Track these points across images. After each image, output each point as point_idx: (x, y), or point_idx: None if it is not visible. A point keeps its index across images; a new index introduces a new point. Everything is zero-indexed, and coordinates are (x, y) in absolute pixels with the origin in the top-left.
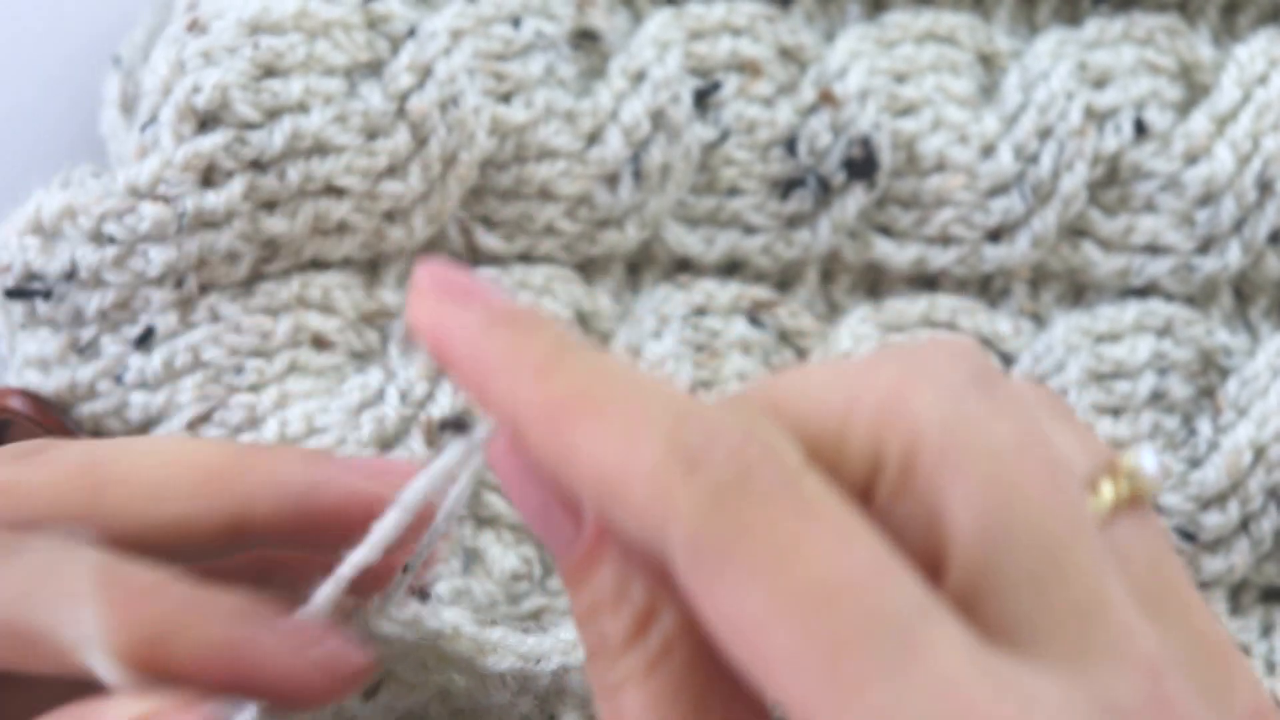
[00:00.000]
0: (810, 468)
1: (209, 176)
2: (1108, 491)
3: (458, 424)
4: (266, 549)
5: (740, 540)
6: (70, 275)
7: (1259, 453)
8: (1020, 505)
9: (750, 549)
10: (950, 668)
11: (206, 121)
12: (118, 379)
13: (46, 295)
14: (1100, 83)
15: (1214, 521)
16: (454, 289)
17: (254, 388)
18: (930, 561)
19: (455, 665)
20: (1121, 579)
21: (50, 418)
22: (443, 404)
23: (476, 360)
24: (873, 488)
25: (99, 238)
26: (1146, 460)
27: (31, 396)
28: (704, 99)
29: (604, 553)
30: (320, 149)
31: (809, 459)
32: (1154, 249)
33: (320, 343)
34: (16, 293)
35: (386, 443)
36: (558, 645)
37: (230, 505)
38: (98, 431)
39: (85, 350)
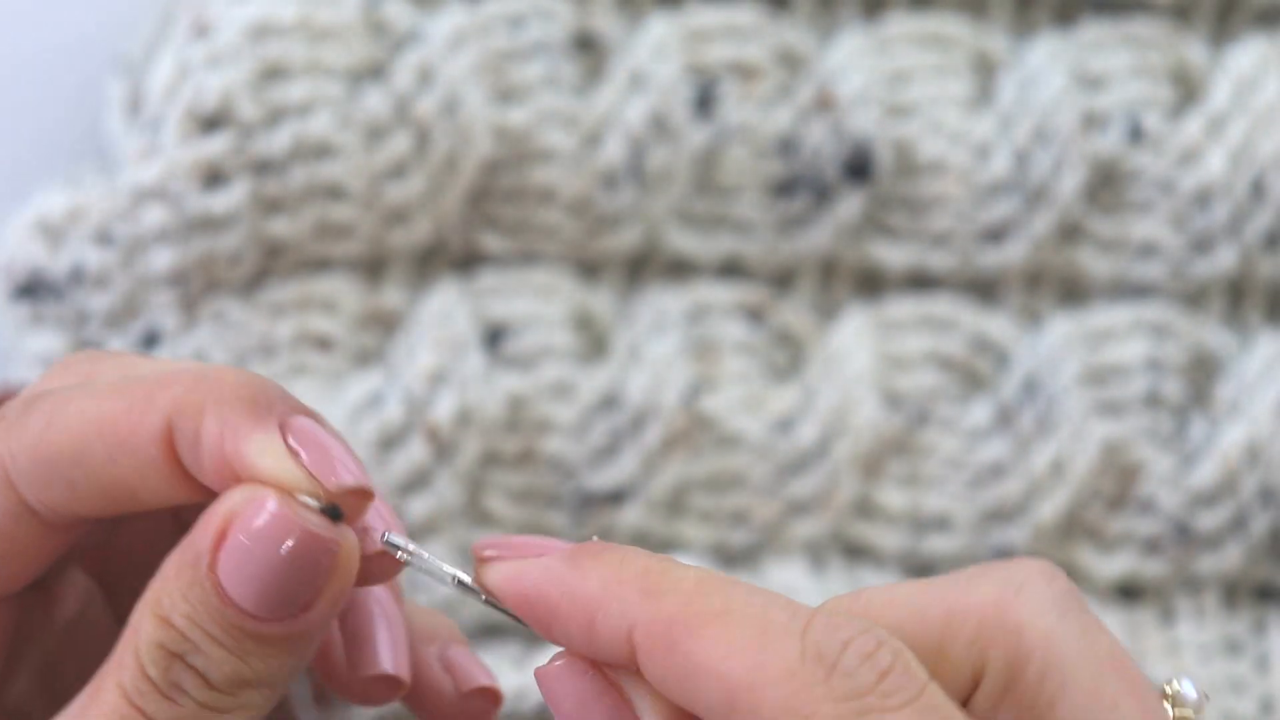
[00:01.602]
0: (930, 677)
1: (213, 178)
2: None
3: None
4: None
5: None
6: (76, 276)
7: (1251, 452)
8: (1123, 717)
9: None
10: None
11: (210, 124)
12: None
13: (52, 295)
14: (1095, 86)
15: (1207, 520)
16: (517, 548)
17: None
18: None
19: None
20: None
21: None
22: (441, 409)
23: (574, 598)
24: (968, 701)
25: (104, 239)
26: (1187, 688)
27: None
28: (703, 101)
29: None
30: (322, 151)
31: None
32: (1148, 250)
33: (322, 344)
34: (23, 292)
35: (388, 444)
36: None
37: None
38: None
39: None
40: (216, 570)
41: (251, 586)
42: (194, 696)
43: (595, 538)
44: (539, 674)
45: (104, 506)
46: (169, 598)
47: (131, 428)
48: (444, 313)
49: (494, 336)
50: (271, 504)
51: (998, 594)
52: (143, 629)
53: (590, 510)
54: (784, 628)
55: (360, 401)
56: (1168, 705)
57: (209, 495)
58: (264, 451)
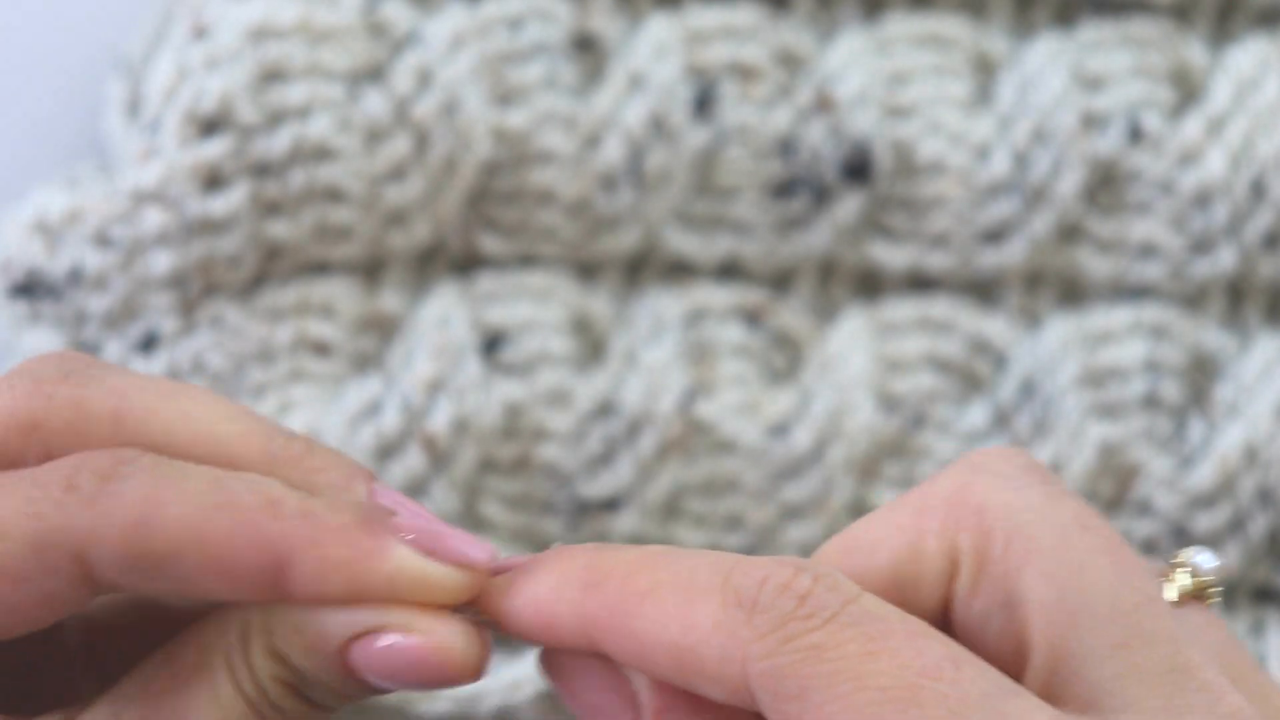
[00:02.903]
0: (863, 591)
1: (212, 181)
2: (1171, 586)
3: None
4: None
5: (815, 664)
6: (74, 277)
7: (1250, 454)
8: (1093, 577)
9: (826, 670)
10: None
11: (210, 127)
12: None
13: (50, 295)
14: (1095, 86)
15: (1205, 522)
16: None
17: (256, 394)
18: (1015, 646)
19: (388, 715)
20: (1200, 647)
21: None
22: (438, 419)
23: (534, 604)
24: (952, 594)
25: (103, 241)
26: (1203, 559)
27: None
28: (702, 102)
29: None
30: (322, 154)
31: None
32: (1148, 251)
33: (321, 349)
34: (20, 291)
35: (386, 453)
36: (498, 684)
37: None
38: None
39: (88, 350)
40: (349, 654)
41: (382, 676)
42: (301, 713)
43: (557, 545)
44: (540, 657)
45: (165, 594)
46: (286, 645)
47: (235, 556)
48: (442, 318)
49: (491, 343)
50: (416, 640)
51: (957, 480)
52: (257, 664)
53: (585, 517)
54: (706, 584)
55: (358, 410)
56: (1185, 574)
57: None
58: (403, 566)
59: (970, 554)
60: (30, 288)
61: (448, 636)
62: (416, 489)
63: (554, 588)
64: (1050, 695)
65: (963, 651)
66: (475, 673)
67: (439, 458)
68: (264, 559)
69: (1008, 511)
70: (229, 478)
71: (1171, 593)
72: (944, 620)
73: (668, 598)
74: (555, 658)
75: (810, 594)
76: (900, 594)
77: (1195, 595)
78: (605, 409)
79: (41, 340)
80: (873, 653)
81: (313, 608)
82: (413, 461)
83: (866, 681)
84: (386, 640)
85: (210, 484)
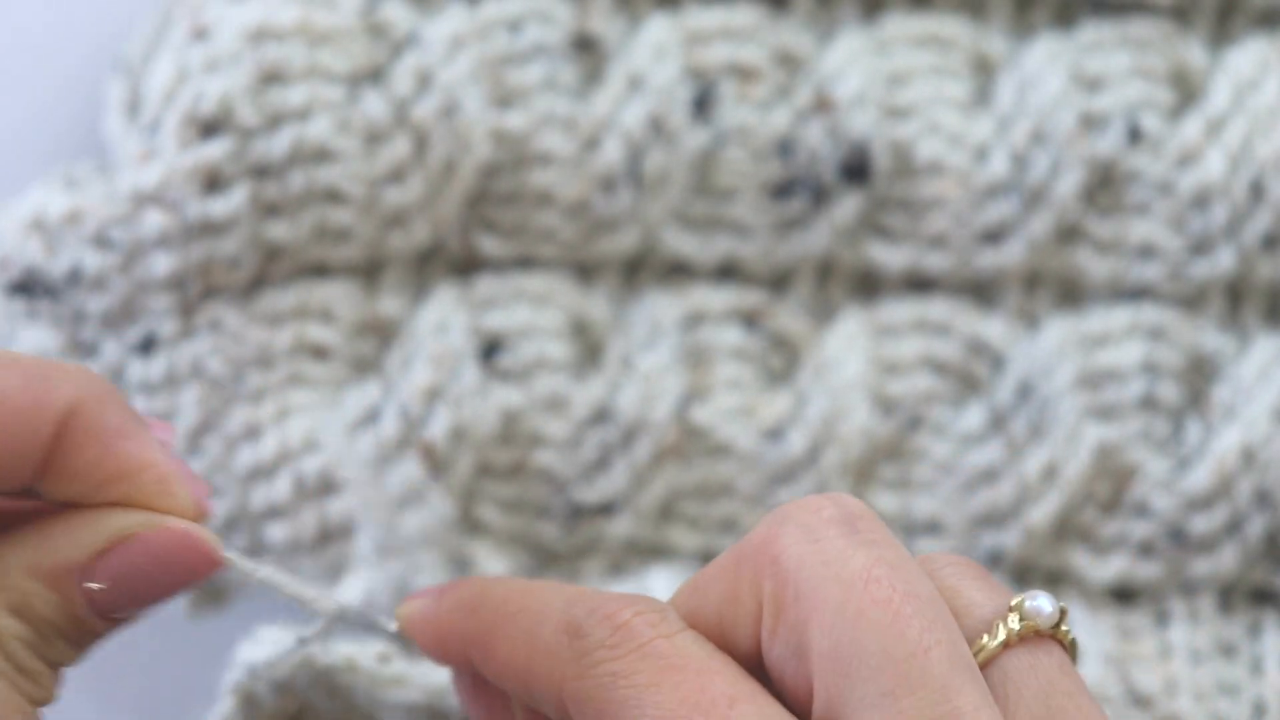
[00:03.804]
0: (686, 628)
1: (212, 183)
2: (1001, 629)
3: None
4: None
5: (611, 689)
6: (73, 277)
7: (1247, 455)
8: (868, 629)
9: (618, 696)
10: None
11: (210, 129)
12: (118, 381)
13: (48, 294)
14: (1094, 87)
15: (1202, 523)
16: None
17: (254, 399)
18: (805, 690)
19: (358, 699)
20: (984, 692)
21: None
22: (436, 427)
23: (436, 629)
24: (760, 637)
25: (103, 243)
26: (1042, 603)
27: None
28: (701, 103)
29: None
30: (322, 156)
31: (686, 623)
32: (1147, 252)
33: (320, 353)
34: (18, 289)
35: (384, 461)
36: None
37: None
38: None
39: (86, 349)
40: (94, 572)
41: (127, 585)
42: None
43: (473, 577)
44: (450, 675)
45: None
46: (25, 588)
47: (32, 403)
48: (441, 324)
49: (489, 350)
50: (197, 539)
51: (767, 531)
52: (0, 627)
53: (580, 521)
54: (550, 610)
55: (357, 418)
56: (1014, 617)
57: (53, 484)
58: (158, 464)
59: (770, 602)
60: (28, 286)
61: (193, 527)
62: (414, 497)
63: (447, 610)
64: None
65: (748, 690)
66: (217, 560)
67: (437, 466)
68: (56, 406)
69: (800, 564)
70: None
71: (999, 634)
72: (760, 660)
73: (523, 624)
74: (459, 676)
75: (626, 625)
76: (723, 634)
77: (1026, 636)
78: (601, 415)
79: (38, 338)
80: (658, 684)
81: (47, 540)
82: (411, 470)
83: (647, 710)
84: (138, 540)
85: None
